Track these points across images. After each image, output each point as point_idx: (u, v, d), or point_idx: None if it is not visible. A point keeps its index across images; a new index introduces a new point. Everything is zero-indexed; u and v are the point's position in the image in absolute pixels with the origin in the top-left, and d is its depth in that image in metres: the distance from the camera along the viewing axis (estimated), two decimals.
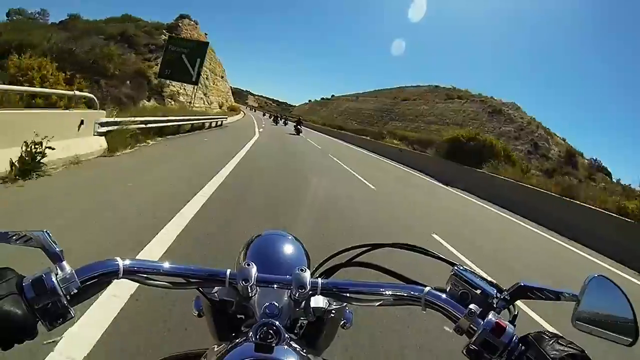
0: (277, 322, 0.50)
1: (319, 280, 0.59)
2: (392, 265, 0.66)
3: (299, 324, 0.65)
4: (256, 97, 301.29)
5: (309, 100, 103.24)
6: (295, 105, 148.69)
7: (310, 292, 0.58)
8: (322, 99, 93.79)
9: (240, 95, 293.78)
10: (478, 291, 0.54)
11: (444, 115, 42.93)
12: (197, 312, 0.81)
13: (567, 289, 0.52)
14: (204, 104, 28.84)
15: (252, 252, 0.79)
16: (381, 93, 71.47)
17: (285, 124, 45.08)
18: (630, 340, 0.47)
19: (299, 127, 29.13)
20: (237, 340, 0.51)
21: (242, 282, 0.55)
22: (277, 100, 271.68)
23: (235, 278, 0.56)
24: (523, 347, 0.46)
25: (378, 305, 0.61)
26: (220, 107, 43.95)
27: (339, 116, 70.07)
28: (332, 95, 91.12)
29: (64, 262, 0.49)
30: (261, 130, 23.71)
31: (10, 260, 0.61)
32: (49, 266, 0.48)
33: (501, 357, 0.47)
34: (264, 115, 72.22)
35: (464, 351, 0.49)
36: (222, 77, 55.39)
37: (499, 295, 0.53)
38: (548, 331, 0.47)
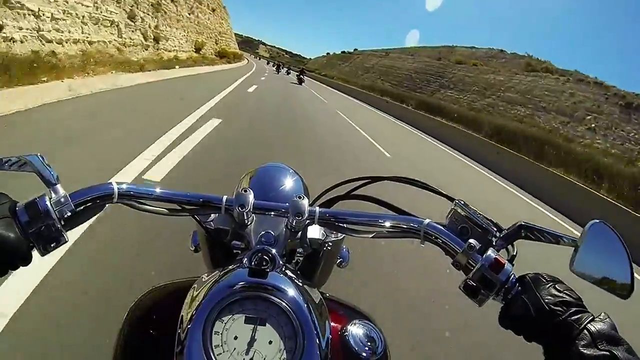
0: (272, 249, 0.49)
1: (317, 208, 0.58)
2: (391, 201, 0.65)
3: (295, 259, 0.66)
4: (268, 47, 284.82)
5: (327, 53, 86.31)
6: (309, 58, 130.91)
7: (308, 221, 0.57)
8: (343, 52, 76.99)
9: (250, 44, 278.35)
10: (478, 228, 0.52)
11: (534, 94, 27.84)
12: (194, 247, 0.80)
13: (567, 234, 0.51)
14: (129, 39, 14.28)
15: (250, 181, 0.79)
16: (420, 51, 55.20)
17: (288, 73, 43.15)
18: (626, 292, 0.47)
19: (301, 76, 29.08)
20: (230, 267, 0.50)
21: (239, 208, 0.54)
22: (290, 52, 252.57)
23: (232, 204, 0.55)
24: (520, 287, 0.46)
25: (376, 237, 0.59)
26: (198, 50, 29.22)
27: (365, 73, 54.62)
28: (355, 49, 74.51)
29: (58, 186, 0.48)
30: (220, 121, 6.33)
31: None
32: (43, 190, 0.48)
33: (497, 294, 0.47)
34: (267, 63, 71.86)
35: (461, 287, 0.49)
36: (212, 10, 40.11)
37: (498, 233, 0.52)
38: (546, 274, 0.47)
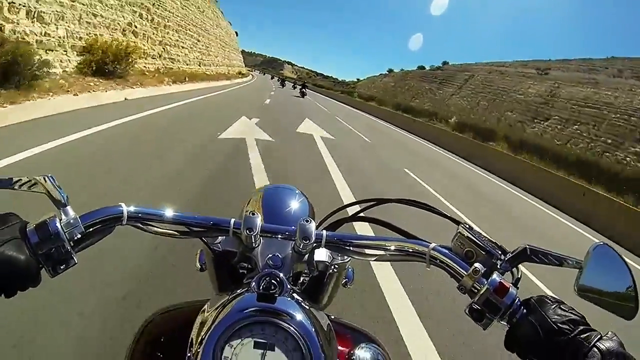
0: (280, 273, 0.49)
1: (324, 232, 0.58)
2: (397, 223, 0.65)
3: (301, 280, 0.66)
4: (295, 68, 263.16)
5: (389, 71, 55.49)
6: (355, 80, 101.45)
7: (315, 244, 0.57)
8: (422, 67, 46.89)
9: (274, 64, 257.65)
10: (483, 251, 0.52)
11: None
12: (199, 266, 0.81)
13: (572, 255, 0.51)
14: None
15: (257, 203, 0.79)
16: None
17: (294, 87, 41.91)
18: (631, 313, 0.47)
19: (304, 90, 29.37)
20: (238, 291, 0.50)
21: (246, 231, 0.54)
22: (322, 74, 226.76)
23: (239, 227, 0.55)
24: (525, 310, 0.47)
25: (382, 260, 0.60)
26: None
27: (573, 123, 23.57)
28: (445, 62, 44.50)
29: (68, 207, 0.48)
30: None
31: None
32: (54, 211, 0.48)
33: (503, 318, 0.47)
34: (272, 78, 72.95)
35: (467, 310, 0.49)
36: None
37: (503, 257, 0.52)
38: (550, 296, 0.47)
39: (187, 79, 15.08)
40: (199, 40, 25.95)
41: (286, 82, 48.53)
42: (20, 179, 0.49)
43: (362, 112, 28.99)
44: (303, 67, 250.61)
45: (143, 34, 13.62)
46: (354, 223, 0.91)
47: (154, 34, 15.04)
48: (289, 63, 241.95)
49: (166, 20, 17.35)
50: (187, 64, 20.74)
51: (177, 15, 19.55)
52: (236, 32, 57.93)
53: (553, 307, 0.45)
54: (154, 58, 14.63)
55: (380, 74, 57.18)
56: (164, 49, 16.12)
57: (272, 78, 72.99)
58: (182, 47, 20.21)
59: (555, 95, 23.93)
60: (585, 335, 0.41)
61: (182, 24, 20.63)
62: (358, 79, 78.12)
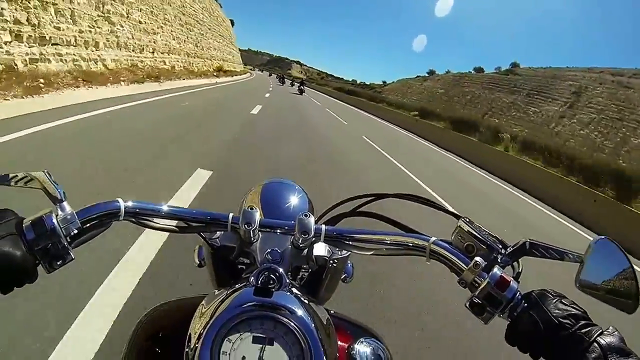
0: (279, 268, 0.49)
1: (323, 226, 0.58)
2: (397, 217, 0.64)
3: (300, 275, 0.67)
4: (305, 68, 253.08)
5: (430, 73, 44.33)
6: (372, 83, 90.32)
7: (314, 239, 0.57)
8: (480, 69, 36.09)
9: (281, 63, 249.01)
10: (483, 245, 0.52)
11: None
12: (198, 262, 0.80)
13: (572, 249, 0.51)
14: None
15: (255, 198, 0.79)
16: None
17: (292, 85, 41.01)
18: (631, 307, 0.47)
19: (302, 87, 30.47)
20: (237, 286, 0.50)
21: (245, 225, 0.54)
22: (332, 75, 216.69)
23: (238, 222, 0.55)
24: (526, 304, 0.47)
25: (381, 255, 0.60)
26: None
27: None
28: (514, 64, 33.66)
29: (65, 203, 0.48)
30: None
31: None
32: (50, 207, 0.47)
33: (504, 312, 0.47)
34: (270, 75, 74.43)
35: (467, 304, 0.49)
36: None
37: (503, 251, 0.52)
38: (552, 290, 0.47)
39: None
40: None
41: (286, 79, 47.82)
42: (17, 175, 0.49)
43: None
44: (313, 68, 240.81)
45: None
46: (354, 219, 0.69)
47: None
48: (297, 62, 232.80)
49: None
50: None
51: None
52: (232, 21, 47.30)
53: (554, 301, 0.45)
54: None
55: (418, 77, 46.11)
56: None
57: (270, 75, 69.14)
58: None
59: None
60: (586, 330, 0.41)
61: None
62: (384, 82, 66.82)
